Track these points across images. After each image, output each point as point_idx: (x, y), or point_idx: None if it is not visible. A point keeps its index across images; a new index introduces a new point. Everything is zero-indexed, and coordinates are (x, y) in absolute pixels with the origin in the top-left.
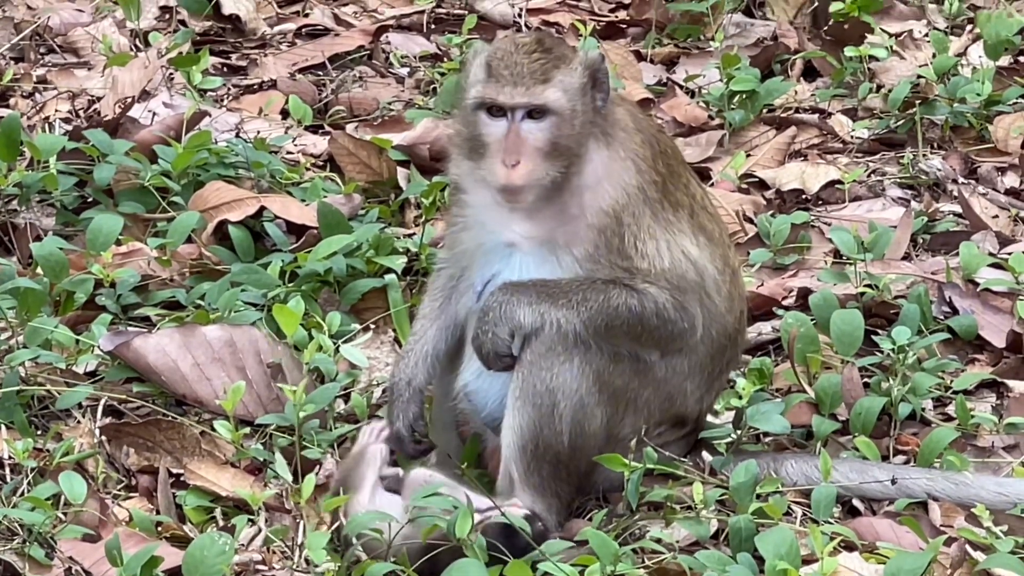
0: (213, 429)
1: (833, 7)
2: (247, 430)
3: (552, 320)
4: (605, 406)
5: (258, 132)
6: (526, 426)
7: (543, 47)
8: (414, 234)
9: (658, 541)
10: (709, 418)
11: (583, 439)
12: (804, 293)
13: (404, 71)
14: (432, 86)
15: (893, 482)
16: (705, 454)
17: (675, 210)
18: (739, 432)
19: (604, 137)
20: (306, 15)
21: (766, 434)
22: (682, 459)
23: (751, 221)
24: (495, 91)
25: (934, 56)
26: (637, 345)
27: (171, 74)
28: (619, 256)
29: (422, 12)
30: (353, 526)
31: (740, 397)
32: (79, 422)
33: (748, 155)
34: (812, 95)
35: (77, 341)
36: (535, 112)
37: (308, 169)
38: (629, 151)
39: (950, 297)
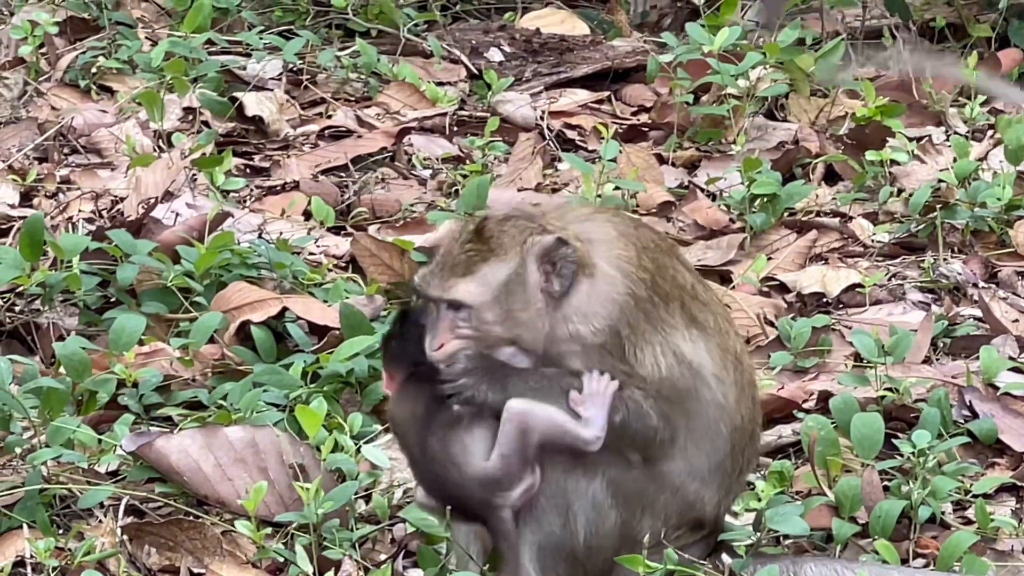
0: (235, 529)
1: (858, 112)
2: (268, 530)
3: None
4: (620, 509)
5: (280, 233)
6: (541, 524)
7: (481, 237)
8: None
9: None
10: (729, 519)
11: (598, 539)
12: (824, 396)
13: (426, 173)
14: (454, 188)
15: None
16: (724, 556)
17: (666, 304)
18: (758, 534)
19: (582, 278)
20: (329, 116)
21: (786, 536)
22: (702, 562)
23: (772, 324)
24: (423, 280)
25: (955, 161)
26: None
27: (194, 175)
28: (621, 363)
29: (444, 114)
30: None
31: (759, 499)
32: (101, 521)
33: (769, 258)
34: (833, 199)
35: (99, 441)
36: (452, 304)
37: (330, 270)
38: (612, 260)
39: (970, 401)
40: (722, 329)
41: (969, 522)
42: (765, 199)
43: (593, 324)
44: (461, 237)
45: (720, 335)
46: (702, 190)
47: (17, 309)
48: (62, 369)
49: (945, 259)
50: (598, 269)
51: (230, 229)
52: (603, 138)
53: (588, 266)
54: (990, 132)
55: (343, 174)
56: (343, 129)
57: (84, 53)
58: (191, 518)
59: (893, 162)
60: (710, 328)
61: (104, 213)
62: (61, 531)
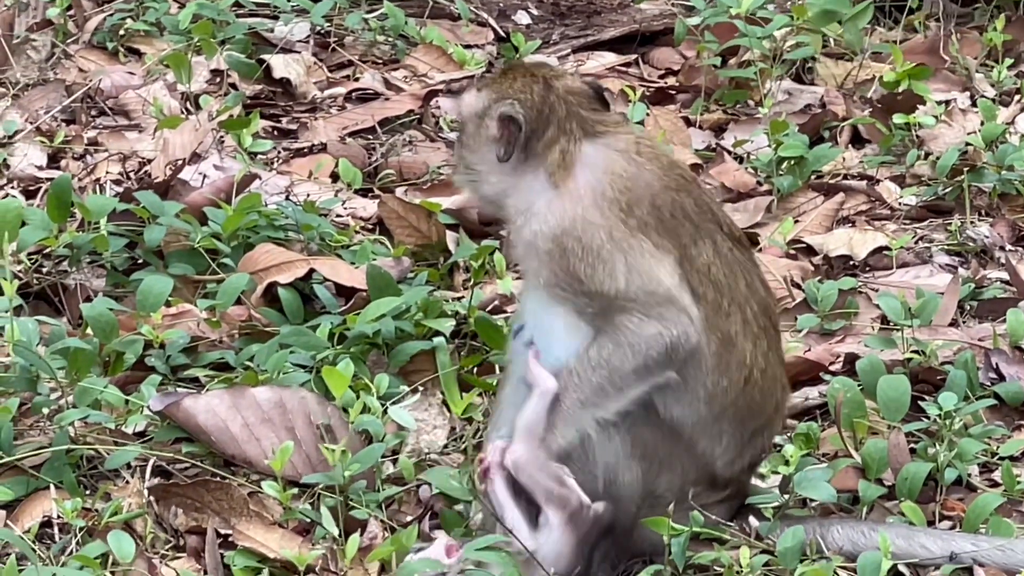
0: (261, 490)
1: (886, 76)
2: (295, 491)
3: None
4: (639, 461)
5: (308, 195)
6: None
7: (505, 70)
8: (463, 297)
9: None
10: (756, 482)
11: (618, 489)
12: (851, 359)
13: (454, 135)
14: None
15: (952, 558)
16: (752, 519)
17: (656, 249)
18: (786, 497)
19: (549, 179)
20: (356, 79)
21: (812, 499)
22: (728, 523)
23: (799, 287)
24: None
25: (982, 124)
26: (652, 376)
27: (222, 137)
28: (572, 279)
29: (472, 77)
30: (403, 573)
31: (787, 463)
32: (128, 482)
33: (796, 221)
34: (860, 162)
35: (126, 401)
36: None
37: (357, 232)
38: (597, 193)
39: (997, 363)
40: (722, 309)
41: (995, 484)
42: (792, 162)
43: (541, 227)
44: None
45: (717, 314)
46: (729, 153)
47: (45, 270)
48: (89, 330)
49: (972, 222)
50: (573, 190)
51: (257, 191)
52: (630, 101)
53: (564, 180)
54: (1017, 96)
55: (370, 136)
56: (370, 92)
57: (112, 15)
58: (218, 479)
59: (920, 125)
60: (705, 301)
61: (132, 175)
62: (88, 491)
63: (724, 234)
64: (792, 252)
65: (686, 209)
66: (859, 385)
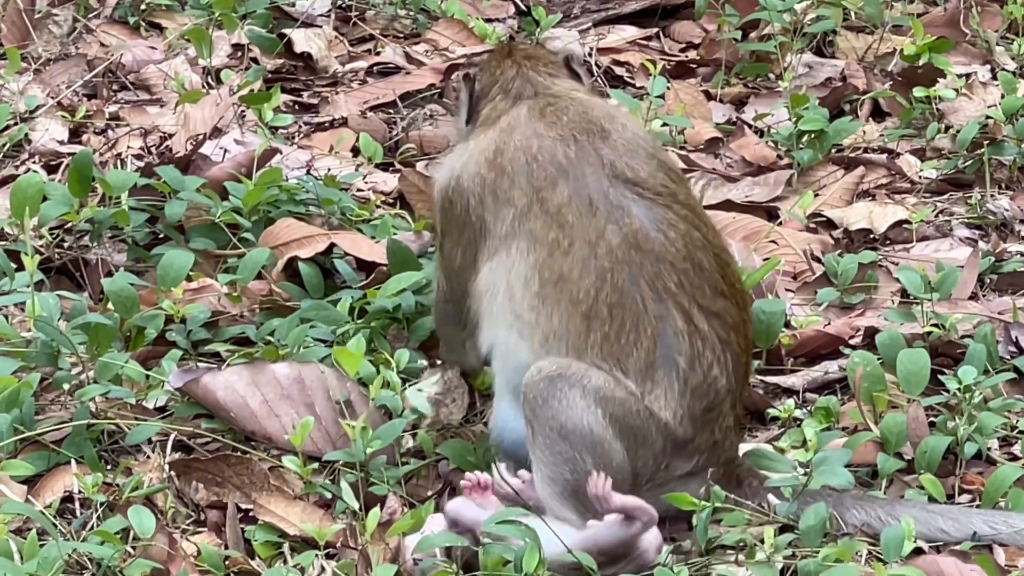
0: (282, 464)
1: (906, 49)
2: (316, 466)
3: None
4: (620, 439)
5: (329, 169)
6: (555, 474)
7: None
8: None
9: None
10: (775, 454)
11: (612, 475)
12: (871, 332)
13: None
14: None
15: (975, 536)
16: (771, 497)
17: (500, 207)
18: (804, 475)
19: (472, 136)
20: (377, 53)
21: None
22: (747, 502)
23: (819, 260)
24: None
25: (1003, 97)
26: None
27: (243, 111)
28: (438, 230)
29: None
30: (422, 547)
31: (807, 447)
32: (148, 457)
33: (816, 194)
34: (880, 135)
35: (147, 376)
36: None
37: (378, 206)
38: (481, 148)
39: (1016, 337)
40: (560, 247)
41: (1015, 458)
42: (812, 135)
43: (440, 179)
44: None
45: (553, 254)
46: (750, 126)
47: (66, 245)
48: (110, 305)
49: (992, 195)
50: (472, 146)
51: (278, 165)
52: (651, 75)
53: (477, 136)
54: None
55: (391, 111)
56: (392, 66)
57: None
58: (238, 454)
59: (940, 98)
60: (541, 245)
61: (153, 149)
62: (109, 467)
63: (604, 174)
64: (812, 226)
65: (556, 155)
66: (879, 359)
